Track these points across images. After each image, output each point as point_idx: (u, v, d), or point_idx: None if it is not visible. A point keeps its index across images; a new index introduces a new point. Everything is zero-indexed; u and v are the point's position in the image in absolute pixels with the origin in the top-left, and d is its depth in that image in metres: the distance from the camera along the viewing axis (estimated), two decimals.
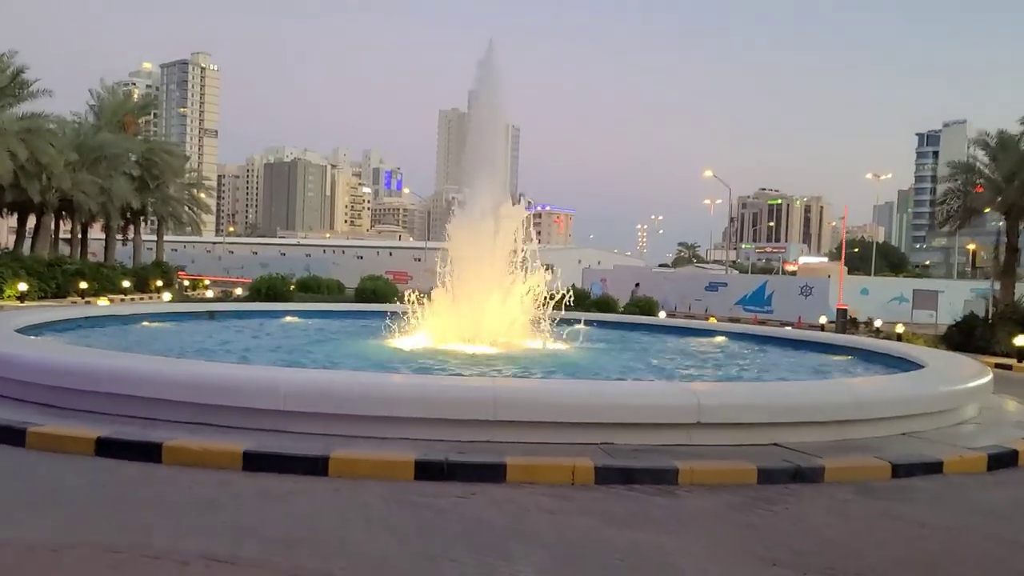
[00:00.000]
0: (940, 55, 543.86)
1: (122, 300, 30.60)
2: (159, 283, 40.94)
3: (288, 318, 19.05)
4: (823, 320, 30.64)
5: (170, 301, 24.94)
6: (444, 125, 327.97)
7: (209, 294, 33.03)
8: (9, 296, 26.15)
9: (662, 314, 30.22)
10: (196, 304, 20.73)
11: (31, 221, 40.86)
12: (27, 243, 39.63)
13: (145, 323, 16.33)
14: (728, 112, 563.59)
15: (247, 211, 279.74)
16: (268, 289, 23.96)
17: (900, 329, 24.26)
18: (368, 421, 7.14)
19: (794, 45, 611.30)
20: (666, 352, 15.56)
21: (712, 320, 25.22)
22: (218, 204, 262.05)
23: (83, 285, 30.61)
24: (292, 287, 26.31)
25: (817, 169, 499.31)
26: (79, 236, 42.59)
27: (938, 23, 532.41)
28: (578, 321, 15.54)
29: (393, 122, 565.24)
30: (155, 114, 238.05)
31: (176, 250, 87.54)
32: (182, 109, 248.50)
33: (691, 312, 43.25)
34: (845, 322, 29.20)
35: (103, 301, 20.40)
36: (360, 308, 20.20)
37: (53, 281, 29.45)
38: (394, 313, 14.67)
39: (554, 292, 15.02)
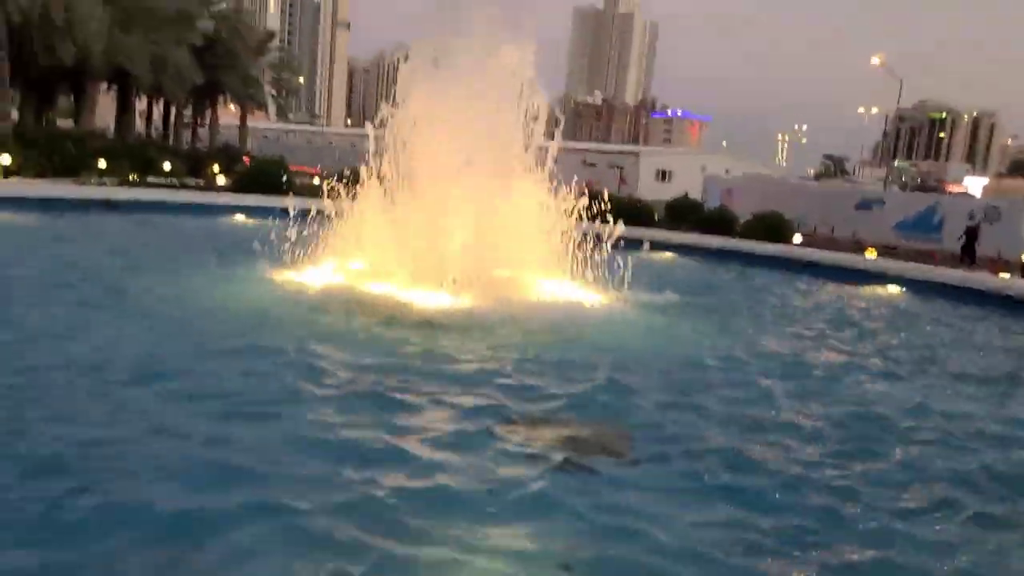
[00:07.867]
0: None
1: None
2: (216, 168, 37.13)
3: (238, 216, 13.31)
4: None
5: (113, 185, 19.31)
6: (579, 23, 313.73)
7: (222, 180, 27.74)
8: None
9: (797, 237, 22.66)
10: (102, 190, 15.26)
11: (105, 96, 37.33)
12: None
13: None
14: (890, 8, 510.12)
15: (376, 106, 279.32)
16: (257, 177, 17.83)
17: None
18: None
19: None
20: (797, 322, 8.73)
21: (870, 253, 17.62)
22: (348, 98, 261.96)
23: (102, 164, 26.31)
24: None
25: (989, 82, 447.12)
26: (133, 109, 38.43)
27: None
28: (664, 246, 9.21)
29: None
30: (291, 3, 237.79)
31: (280, 139, 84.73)
32: None
33: (834, 235, 34.99)
34: None
35: None
36: None
37: (56, 156, 25.00)
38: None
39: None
